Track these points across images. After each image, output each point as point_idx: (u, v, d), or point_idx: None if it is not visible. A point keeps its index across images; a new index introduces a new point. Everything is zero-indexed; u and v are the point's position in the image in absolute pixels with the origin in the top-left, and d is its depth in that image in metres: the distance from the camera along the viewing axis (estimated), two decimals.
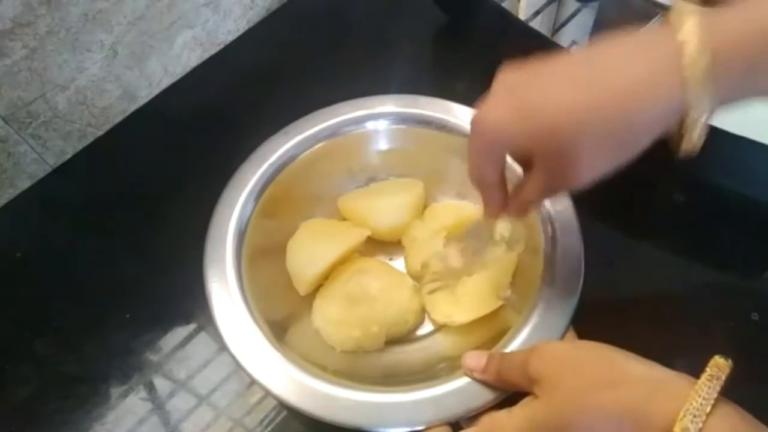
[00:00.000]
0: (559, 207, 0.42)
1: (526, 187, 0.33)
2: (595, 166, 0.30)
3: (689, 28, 0.26)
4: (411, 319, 0.43)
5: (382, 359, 0.43)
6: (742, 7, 0.26)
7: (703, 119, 0.27)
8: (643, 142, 0.29)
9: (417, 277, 0.45)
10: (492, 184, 0.34)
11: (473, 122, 0.32)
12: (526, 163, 0.33)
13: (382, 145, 0.50)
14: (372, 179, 0.50)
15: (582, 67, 0.29)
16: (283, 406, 0.36)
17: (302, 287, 0.44)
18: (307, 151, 0.48)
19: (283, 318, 0.43)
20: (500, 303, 0.42)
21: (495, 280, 0.43)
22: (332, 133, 0.48)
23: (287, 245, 0.45)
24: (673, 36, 0.26)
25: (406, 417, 0.35)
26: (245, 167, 0.46)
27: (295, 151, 0.47)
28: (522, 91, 0.30)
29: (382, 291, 0.43)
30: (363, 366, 0.42)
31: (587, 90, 0.28)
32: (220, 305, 0.40)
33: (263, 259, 0.44)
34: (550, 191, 0.33)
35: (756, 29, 0.26)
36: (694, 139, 0.28)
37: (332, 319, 0.43)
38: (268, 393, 0.37)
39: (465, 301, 0.42)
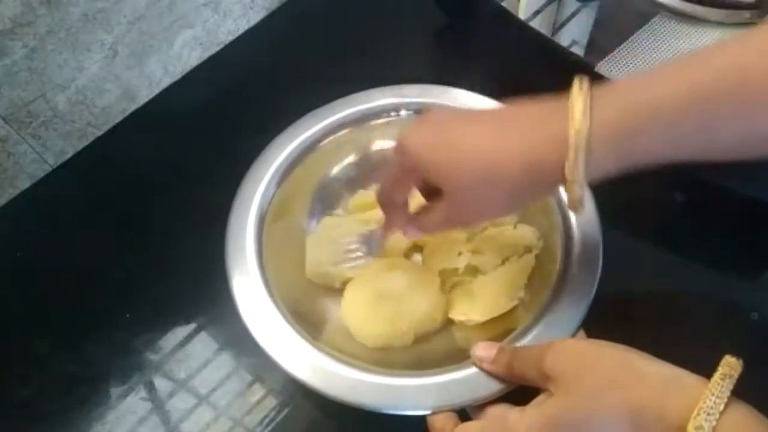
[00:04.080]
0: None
1: (428, 215, 0.37)
2: (490, 207, 0.35)
3: (578, 107, 0.30)
4: (439, 317, 0.43)
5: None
6: (621, 87, 0.31)
7: (580, 184, 0.31)
8: (534, 196, 0.35)
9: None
10: (397, 205, 0.39)
11: (398, 145, 0.35)
12: (430, 194, 0.37)
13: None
14: None
15: (498, 123, 0.34)
16: (290, 383, 0.37)
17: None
18: (332, 137, 0.48)
19: (302, 300, 0.43)
20: (514, 303, 0.42)
21: (510, 281, 0.43)
22: (359, 119, 0.49)
23: (307, 241, 0.46)
24: (566, 112, 0.30)
25: (412, 401, 0.36)
26: (270, 149, 0.47)
27: (320, 135, 0.48)
28: (447, 128, 0.34)
29: (410, 289, 0.43)
30: (388, 355, 0.42)
31: (496, 145, 0.33)
32: (241, 288, 0.40)
33: (284, 242, 0.45)
34: (448, 223, 0.37)
35: (627, 109, 0.30)
36: (574, 200, 0.32)
37: (361, 315, 0.43)
38: (276, 366, 0.37)
39: (480, 301, 0.42)
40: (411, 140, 0.35)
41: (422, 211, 0.38)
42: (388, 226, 0.40)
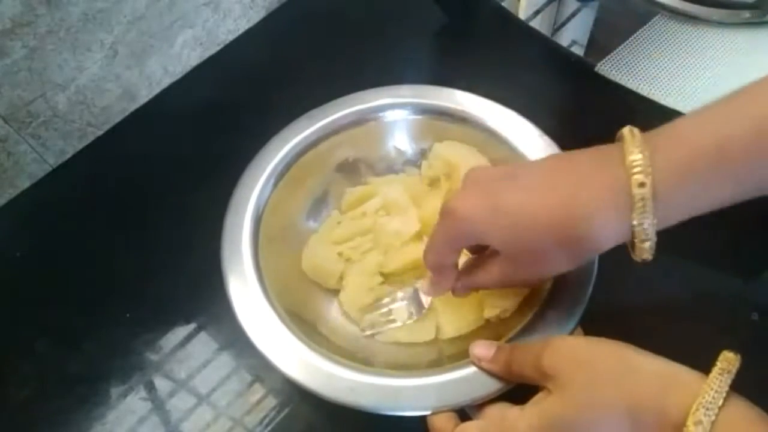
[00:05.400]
0: None
1: (483, 274, 0.36)
2: (550, 266, 0.34)
3: (635, 157, 0.29)
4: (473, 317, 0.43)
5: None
6: (678, 131, 0.30)
7: (648, 235, 0.30)
8: (597, 250, 0.33)
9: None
10: (447, 268, 0.38)
11: (444, 211, 0.35)
12: (481, 251, 0.37)
13: (408, 134, 0.50)
14: (389, 169, 0.50)
15: (546, 180, 0.33)
16: (290, 383, 0.37)
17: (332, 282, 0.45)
18: (329, 138, 0.48)
19: (299, 301, 0.43)
20: None
21: None
22: (353, 121, 0.49)
23: (309, 240, 0.46)
24: (622, 163, 0.30)
25: (410, 401, 0.36)
26: (269, 147, 0.47)
27: (317, 136, 0.48)
28: (493, 190, 0.33)
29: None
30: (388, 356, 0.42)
31: (549, 203, 0.32)
32: (237, 289, 0.40)
33: (280, 240, 0.45)
34: (506, 282, 0.36)
35: (692, 154, 0.29)
36: (643, 253, 0.31)
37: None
38: (276, 371, 0.37)
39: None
40: (459, 206, 0.34)
41: (473, 266, 0.37)
42: (436, 287, 0.39)
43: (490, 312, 0.41)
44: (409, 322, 0.42)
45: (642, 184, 0.29)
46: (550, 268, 0.34)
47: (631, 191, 0.29)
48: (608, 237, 0.31)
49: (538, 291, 0.41)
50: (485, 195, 0.33)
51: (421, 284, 0.41)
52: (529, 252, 0.33)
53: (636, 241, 0.30)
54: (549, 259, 0.33)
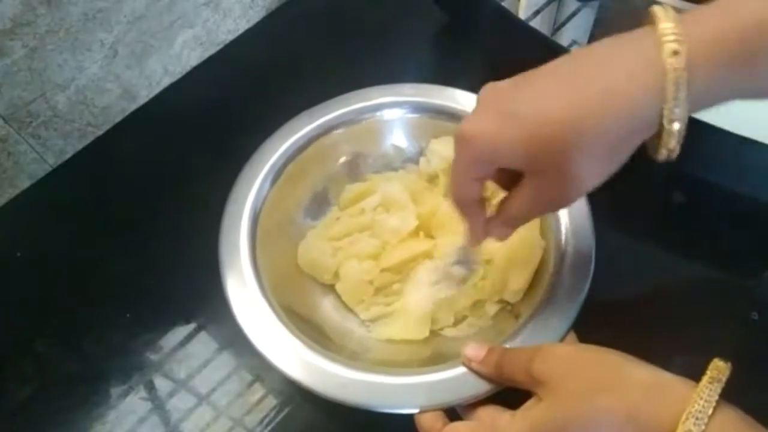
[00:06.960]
0: (575, 205, 0.42)
1: (513, 201, 0.33)
2: (580, 176, 0.30)
3: (667, 25, 0.26)
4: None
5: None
6: (717, 6, 0.27)
7: (679, 118, 0.27)
8: (633, 143, 0.29)
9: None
10: (474, 202, 0.34)
11: (458, 136, 0.31)
12: (508, 182, 0.33)
13: (407, 132, 0.50)
14: (388, 166, 0.50)
15: (563, 69, 0.30)
16: (290, 384, 0.37)
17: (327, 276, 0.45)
18: (329, 135, 0.48)
19: (296, 298, 0.43)
20: (542, 249, 0.42)
21: (522, 236, 0.42)
22: (353, 118, 0.49)
23: (307, 234, 0.47)
24: (652, 33, 0.27)
25: (402, 399, 0.36)
26: (268, 144, 0.47)
27: (315, 133, 0.48)
28: (506, 100, 0.30)
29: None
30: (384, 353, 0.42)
31: (570, 91, 0.28)
32: (234, 288, 0.40)
33: (278, 237, 0.45)
34: (539, 205, 0.32)
35: (728, 27, 0.26)
36: (671, 140, 0.28)
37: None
38: (276, 370, 0.37)
39: (511, 270, 0.42)
40: (469, 127, 0.30)
41: (504, 199, 0.34)
42: (470, 230, 0.36)
43: (513, 297, 0.42)
44: (456, 288, 0.42)
45: (676, 53, 0.26)
46: (581, 180, 0.30)
47: (663, 62, 0.26)
48: (635, 126, 0.28)
49: (534, 293, 0.41)
50: (497, 109, 0.30)
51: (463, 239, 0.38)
52: (554, 161, 0.29)
53: (664, 123, 0.27)
54: (577, 166, 0.29)
